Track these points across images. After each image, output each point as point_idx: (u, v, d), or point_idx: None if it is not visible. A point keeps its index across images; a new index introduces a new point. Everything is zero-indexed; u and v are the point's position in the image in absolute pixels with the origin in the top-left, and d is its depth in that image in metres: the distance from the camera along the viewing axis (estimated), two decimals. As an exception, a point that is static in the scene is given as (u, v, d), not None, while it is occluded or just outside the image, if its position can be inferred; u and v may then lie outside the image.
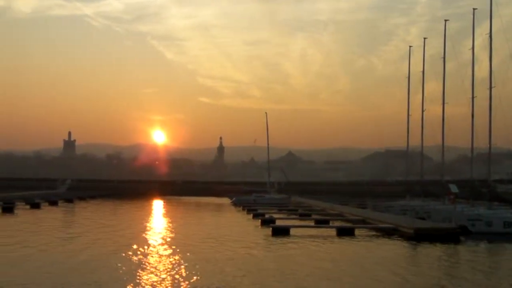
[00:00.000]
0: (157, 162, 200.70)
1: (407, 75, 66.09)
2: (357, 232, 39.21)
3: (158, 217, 59.51)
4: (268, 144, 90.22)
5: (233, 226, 47.92)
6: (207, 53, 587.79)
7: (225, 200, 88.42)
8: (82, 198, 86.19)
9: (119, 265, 24.38)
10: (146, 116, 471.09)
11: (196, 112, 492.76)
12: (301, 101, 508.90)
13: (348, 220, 47.91)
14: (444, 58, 57.46)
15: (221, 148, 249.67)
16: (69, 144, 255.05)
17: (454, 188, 42.11)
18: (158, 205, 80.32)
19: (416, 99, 64.04)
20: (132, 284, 19.96)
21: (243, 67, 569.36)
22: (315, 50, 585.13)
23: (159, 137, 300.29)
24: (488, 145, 48.50)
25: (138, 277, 21.58)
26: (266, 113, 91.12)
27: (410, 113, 64.59)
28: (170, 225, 48.51)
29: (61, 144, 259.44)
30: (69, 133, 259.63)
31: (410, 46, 66.91)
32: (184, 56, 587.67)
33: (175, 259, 26.46)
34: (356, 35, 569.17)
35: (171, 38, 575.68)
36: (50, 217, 55.11)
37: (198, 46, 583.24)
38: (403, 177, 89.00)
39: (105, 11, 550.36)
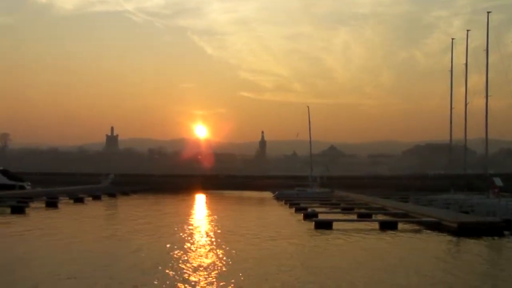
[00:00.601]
0: (199, 157, 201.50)
1: (450, 68, 65.75)
2: (400, 226, 39.15)
3: (201, 211, 59.80)
4: (310, 138, 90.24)
5: (275, 220, 48.06)
6: (248, 48, 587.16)
7: (267, 194, 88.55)
8: (124, 193, 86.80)
9: (162, 261, 24.62)
10: (187, 110, 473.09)
11: (238, 107, 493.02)
12: (343, 95, 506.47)
13: (390, 214, 47.76)
14: (487, 50, 57.03)
15: (263, 142, 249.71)
16: (112, 139, 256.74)
17: (498, 182, 41.87)
18: (200, 199, 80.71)
19: (459, 92, 63.69)
20: (176, 281, 20.11)
21: (285, 61, 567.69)
22: (356, 43, 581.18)
23: (201, 132, 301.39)
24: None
25: (183, 273, 21.73)
26: (308, 107, 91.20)
27: (453, 106, 64.23)
28: (213, 219, 48.76)
29: (103, 139, 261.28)
30: (112, 128, 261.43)
31: (452, 39, 66.56)
32: (224, 50, 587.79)
33: (219, 253, 26.62)
34: (398, 28, 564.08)
35: (211, 33, 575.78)
36: (93, 211, 55.71)
37: (238, 41, 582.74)
38: (445, 170, 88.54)
39: (146, 7, 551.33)
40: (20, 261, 23.74)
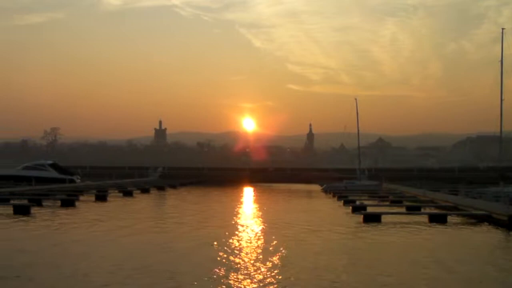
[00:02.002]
0: (247, 150, 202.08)
1: (500, 59, 64.94)
2: (449, 218, 38.72)
3: (250, 204, 59.89)
4: (358, 130, 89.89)
5: (324, 213, 47.95)
6: (296, 40, 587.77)
7: (316, 187, 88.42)
8: (173, 186, 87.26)
9: (212, 252, 24.72)
10: (235, 104, 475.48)
11: (286, 99, 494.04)
12: (391, 87, 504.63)
13: (440, 207, 47.29)
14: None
15: (311, 135, 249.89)
16: (160, 132, 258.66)
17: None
18: (249, 192, 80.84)
19: (509, 83, 62.91)
20: (228, 274, 20.14)
21: (332, 53, 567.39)
22: (405, 35, 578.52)
23: (249, 125, 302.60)
24: None
25: (233, 266, 21.76)
26: (356, 99, 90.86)
27: (503, 98, 63.46)
28: (263, 211, 48.80)
29: (152, 133, 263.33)
30: (160, 122, 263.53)
31: (502, 29, 65.97)
32: (272, 43, 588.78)
33: (270, 246, 26.54)
34: (447, 19, 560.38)
35: (258, 25, 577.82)
36: (142, 204, 56.06)
37: (286, 33, 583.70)
38: (496, 163, 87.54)
39: (193, 1, 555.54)
40: (81, 255, 23.88)
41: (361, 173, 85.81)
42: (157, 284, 18.30)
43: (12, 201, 48.72)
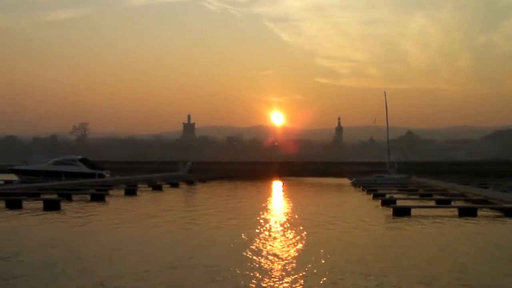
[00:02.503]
0: (276, 144, 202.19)
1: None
2: (479, 212, 38.45)
3: (279, 197, 59.90)
4: (387, 123, 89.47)
5: (353, 206, 47.87)
6: (324, 34, 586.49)
7: (345, 181, 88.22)
8: (202, 180, 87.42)
9: (247, 247, 24.75)
10: (264, 98, 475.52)
11: (314, 93, 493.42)
12: (420, 80, 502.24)
13: (470, 200, 47.00)
14: None
15: (339, 129, 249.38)
16: (189, 127, 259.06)
17: None
18: (278, 186, 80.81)
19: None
20: (256, 268, 20.14)
21: (361, 47, 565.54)
22: (434, 27, 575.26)
23: (278, 119, 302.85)
24: None
25: (264, 261, 21.76)
26: (385, 92, 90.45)
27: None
28: (292, 205, 48.83)
29: (181, 128, 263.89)
30: (189, 116, 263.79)
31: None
32: (300, 37, 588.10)
33: (300, 240, 26.55)
34: (475, 11, 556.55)
35: (286, 19, 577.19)
36: (171, 198, 56.21)
37: (314, 27, 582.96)
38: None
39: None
40: (119, 249, 23.99)
41: (390, 167, 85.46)
42: (193, 278, 18.34)
43: (42, 196, 49.08)
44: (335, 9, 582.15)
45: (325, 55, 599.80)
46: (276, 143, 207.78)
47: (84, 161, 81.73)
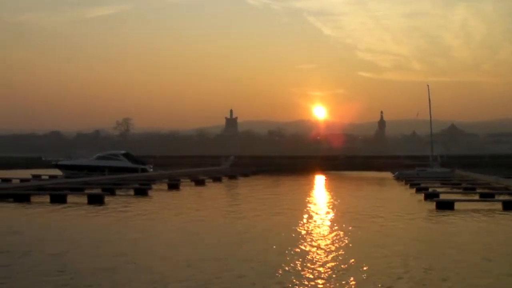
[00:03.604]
0: (318, 138, 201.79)
1: None
2: (524, 205, 38.11)
3: (322, 191, 59.88)
4: (430, 117, 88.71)
5: (396, 200, 47.70)
6: (365, 27, 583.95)
7: (387, 175, 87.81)
8: (245, 174, 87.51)
9: (290, 237, 24.87)
10: (306, 92, 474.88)
11: (357, 87, 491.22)
12: (463, 73, 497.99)
13: (514, 194, 46.57)
14: None
15: (382, 122, 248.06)
16: (231, 121, 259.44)
17: None
18: (320, 180, 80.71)
19: None
20: (305, 263, 20.15)
21: (403, 40, 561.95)
22: (476, 20, 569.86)
23: (320, 113, 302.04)
24: None
25: (306, 253, 21.79)
26: (428, 85, 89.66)
27: None
28: (336, 199, 48.73)
29: (223, 122, 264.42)
30: (231, 111, 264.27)
31: None
32: (341, 30, 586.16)
33: (345, 234, 26.43)
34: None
35: (327, 13, 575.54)
36: (214, 192, 56.38)
37: (355, 20, 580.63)
38: None
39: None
40: (169, 245, 24.14)
41: (433, 160, 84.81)
42: (239, 273, 18.40)
43: (86, 191, 49.55)
44: (376, 2, 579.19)
45: (366, 49, 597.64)
46: (318, 137, 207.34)
47: (127, 155, 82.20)
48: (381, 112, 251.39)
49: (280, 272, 18.21)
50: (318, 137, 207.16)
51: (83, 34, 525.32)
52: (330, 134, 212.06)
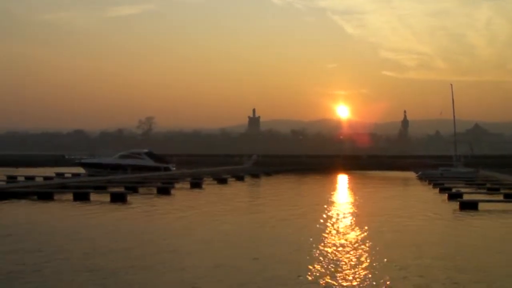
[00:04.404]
0: (341, 137, 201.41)
1: None
2: (549, 206, 37.83)
3: (344, 190, 59.75)
4: (454, 116, 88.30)
5: (419, 200, 47.40)
6: (389, 26, 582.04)
7: (410, 174, 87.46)
8: (267, 173, 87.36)
9: (313, 236, 24.81)
10: (329, 91, 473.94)
11: (380, 86, 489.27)
12: (487, 72, 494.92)
13: (539, 194, 46.14)
14: None
15: (405, 122, 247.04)
16: (254, 120, 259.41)
17: None
18: (343, 179, 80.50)
19: None
20: (328, 262, 20.08)
21: (426, 39, 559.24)
22: (501, 19, 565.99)
23: (343, 112, 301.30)
24: None
25: (336, 255, 21.68)
26: (451, 85, 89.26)
27: None
28: (359, 198, 48.55)
29: (246, 121, 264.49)
30: (254, 110, 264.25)
31: None
32: (365, 29, 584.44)
33: (369, 235, 26.31)
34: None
35: (351, 12, 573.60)
36: (236, 191, 56.31)
37: (379, 19, 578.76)
38: None
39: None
40: (203, 243, 24.15)
41: (457, 160, 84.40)
42: (264, 273, 18.36)
43: (109, 189, 49.71)
44: (401, 1, 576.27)
45: (390, 48, 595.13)
46: (341, 137, 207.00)
47: (150, 154, 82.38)
48: (405, 112, 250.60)
49: (313, 272, 18.13)
50: (341, 137, 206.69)
51: (106, 34, 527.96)
52: (354, 133, 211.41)
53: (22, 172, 78.51)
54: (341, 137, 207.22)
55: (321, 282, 16.80)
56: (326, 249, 22.22)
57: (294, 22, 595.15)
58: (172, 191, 50.81)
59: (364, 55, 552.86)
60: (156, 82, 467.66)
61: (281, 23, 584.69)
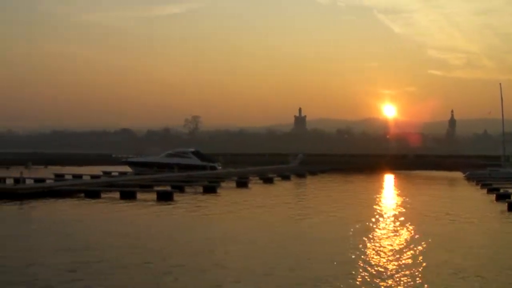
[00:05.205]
0: (387, 136, 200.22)
1: None
2: None
3: (391, 190, 59.49)
4: (502, 116, 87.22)
5: (467, 201, 47.07)
6: (436, 24, 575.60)
7: (458, 174, 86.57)
8: (313, 173, 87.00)
9: (362, 237, 24.75)
10: (375, 90, 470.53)
11: (427, 85, 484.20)
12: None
13: None
14: None
15: (452, 121, 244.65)
16: (300, 120, 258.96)
17: None
18: (389, 179, 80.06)
19: None
20: (375, 264, 20.00)
21: (474, 37, 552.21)
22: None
23: (389, 111, 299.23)
24: None
25: (384, 254, 21.63)
26: (500, 84, 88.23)
27: None
28: (406, 198, 48.14)
29: (292, 121, 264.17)
30: (300, 109, 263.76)
31: None
32: (411, 28, 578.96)
33: (417, 236, 26.19)
34: None
35: (397, 10, 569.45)
36: (283, 190, 56.28)
37: (426, 18, 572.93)
38: None
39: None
40: (251, 243, 24.22)
41: (506, 160, 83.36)
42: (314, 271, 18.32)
43: (155, 188, 49.98)
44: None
45: (437, 47, 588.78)
46: (387, 136, 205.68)
47: (196, 153, 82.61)
48: (452, 111, 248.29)
49: (366, 273, 18.15)
50: (388, 136, 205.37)
51: (151, 33, 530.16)
52: (403, 132, 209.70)
53: (69, 170, 79.21)
54: (387, 136, 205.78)
55: (375, 283, 16.75)
56: (378, 249, 22.18)
57: (338, 20, 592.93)
58: (218, 190, 50.92)
59: (411, 54, 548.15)
60: (203, 81, 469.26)
61: (325, 21, 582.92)
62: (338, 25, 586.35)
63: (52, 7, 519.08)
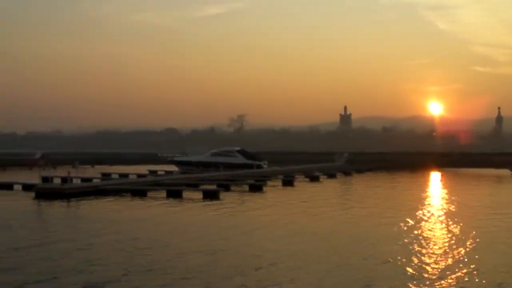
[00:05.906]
0: (434, 134, 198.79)
1: None
2: None
3: (439, 188, 59.13)
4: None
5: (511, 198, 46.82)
6: (482, 20, 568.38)
7: (505, 172, 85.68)
8: (359, 171, 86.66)
9: (411, 236, 24.72)
10: (420, 87, 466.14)
11: (472, 82, 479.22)
12: None
13: None
14: None
15: (499, 118, 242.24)
16: (345, 118, 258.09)
17: None
18: (436, 177, 79.47)
19: None
20: (423, 265, 19.97)
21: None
22: None
23: (435, 109, 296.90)
24: None
25: (437, 253, 21.57)
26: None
27: None
28: (453, 197, 47.87)
29: (337, 119, 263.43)
30: (345, 107, 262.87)
31: None
32: (457, 24, 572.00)
33: (468, 232, 26.17)
34: None
35: (443, 7, 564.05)
36: (329, 189, 56.21)
37: (471, 14, 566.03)
38: None
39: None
40: (279, 237, 24.32)
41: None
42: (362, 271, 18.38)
43: (201, 186, 50.24)
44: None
45: (482, 43, 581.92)
46: (433, 133, 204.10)
47: (242, 152, 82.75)
48: (499, 108, 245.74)
49: (421, 272, 18.17)
50: (434, 133, 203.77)
51: (195, 33, 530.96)
52: (451, 130, 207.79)
53: (115, 169, 79.96)
54: (433, 133, 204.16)
55: (431, 281, 16.77)
56: (431, 249, 22.19)
57: (381, 18, 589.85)
58: (264, 189, 51.00)
59: (456, 50, 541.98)
60: (248, 80, 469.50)
61: (369, 18, 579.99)
62: (382, 22, 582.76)
63: (102, 8, 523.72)
